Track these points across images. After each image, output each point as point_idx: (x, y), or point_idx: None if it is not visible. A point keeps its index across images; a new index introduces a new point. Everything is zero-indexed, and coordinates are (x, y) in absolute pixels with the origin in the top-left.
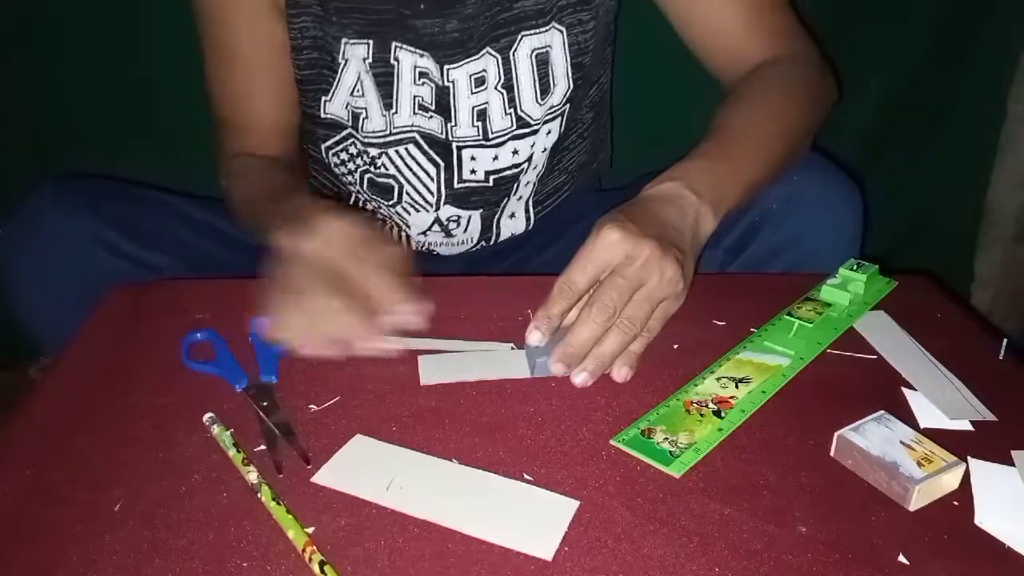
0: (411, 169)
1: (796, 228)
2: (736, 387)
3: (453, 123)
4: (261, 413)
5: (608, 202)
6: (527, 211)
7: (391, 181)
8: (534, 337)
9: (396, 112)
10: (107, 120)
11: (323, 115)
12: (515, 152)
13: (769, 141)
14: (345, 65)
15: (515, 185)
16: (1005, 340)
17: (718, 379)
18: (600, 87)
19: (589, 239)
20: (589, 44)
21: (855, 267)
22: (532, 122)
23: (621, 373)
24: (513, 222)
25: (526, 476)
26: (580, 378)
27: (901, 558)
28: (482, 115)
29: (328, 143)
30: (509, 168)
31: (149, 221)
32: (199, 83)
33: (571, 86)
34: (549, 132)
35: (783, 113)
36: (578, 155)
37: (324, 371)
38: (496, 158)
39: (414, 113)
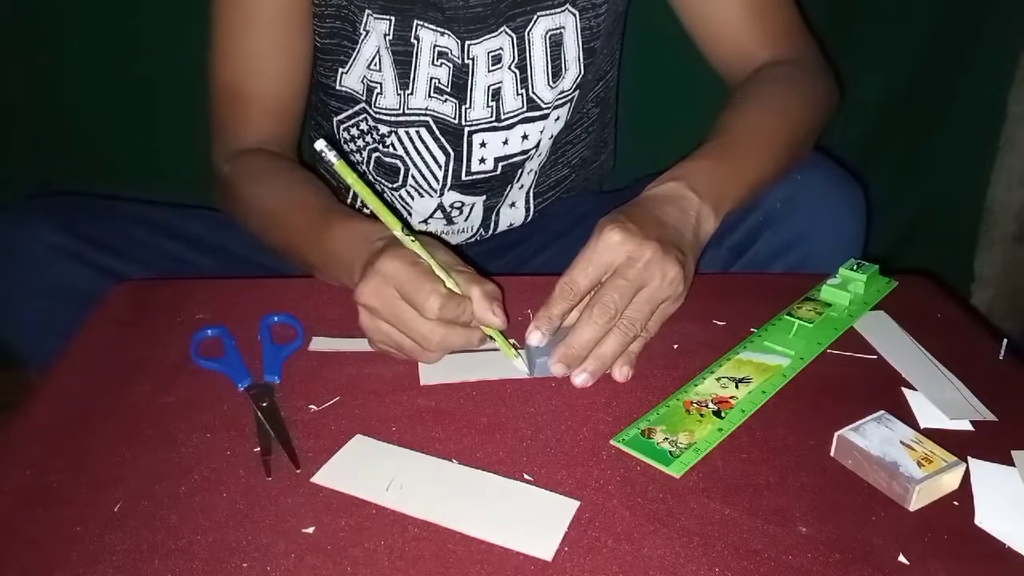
0: (419, 152)
1: (800, 227)
2: (736, 387)
3: (468, 105)
4: (258, 413)
5: (608, 204)
6: (527, 201)
7: (398, 162)
8: (534, 337)
9: (412, 93)
10: (107, 121)
11: (338, 87)
12: (525, 137)
13: (772, 141)
14: (366, 36)
15: (519, 172)
16: (1005, 340)
17: (718, 379)
18: (607, 84)
19: (591, 240)
20: (600, 29)
21: (855, 267)
22: (543, 106)
23: (622, 372)
24: (513, 211)
25: (526, 476)
26: (581, 379)
27: (901, 558)
28: (496, 94)
29: (340, 116)
30: (518, 154)
31: (118, 231)
32: (199, 84)
33: (582, 72)
34: (558, 119)
35: (786, 113)
36: (581, 150)
37: (324, 371)
38: (506, 142)
39: (429, 96)
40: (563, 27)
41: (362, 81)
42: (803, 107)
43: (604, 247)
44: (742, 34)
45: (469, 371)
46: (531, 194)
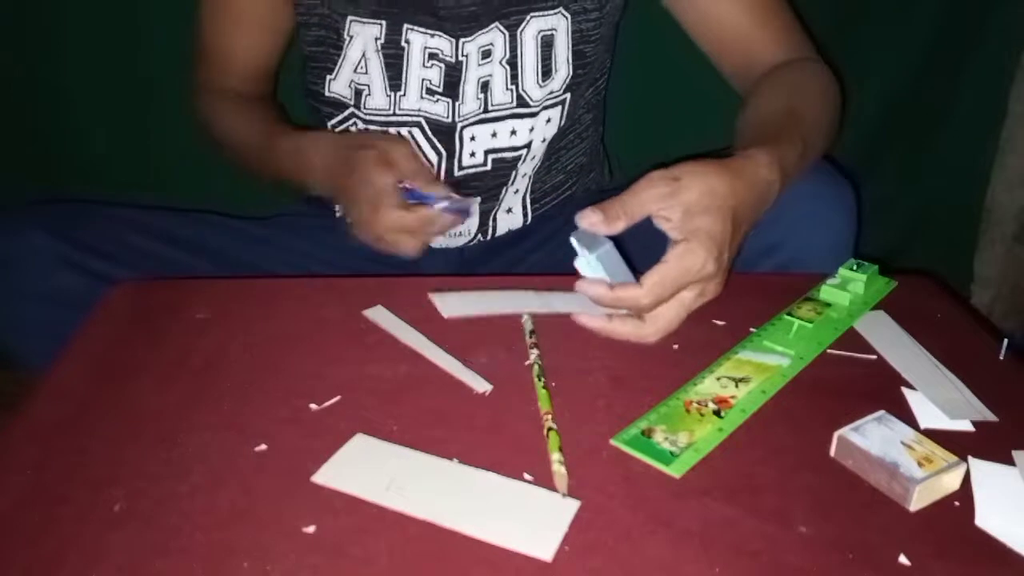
0: None
1: (787, 226)
2: (736, 387)
3: (460, 101)
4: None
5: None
6: (524, 207)
7: None
8: (591, 221)
9: (404, 95)
10: (103, 124)
11: (327, 93)
12: (513, 132)
13: (817, 125)
14: (350, 42)
15: (513, 174)
16: (1005, 340)
17: (718, 379)
18: (597, 89)
19: (683, 243)
20: (591, 35)
21: (855, 267)
22: (532, 103)
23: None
24: (510, 217)
25: (526, 476)
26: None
27: (902, 559)
28: (485, 87)
29: (333, 121)
30: (507, 150)
31: (112, 236)
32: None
33: (571, 73)
34: (549, 120)
35: (817, 105)
36: (577, 156)
37: (325, 370)
38: (495, 135)
39: (421, 97)
40: (555, 29)
41: (350, 86)
42: (827, 101)
43: (685, 271)
44: (749, 38)
45: (490, 305)
46: (527, 199)
